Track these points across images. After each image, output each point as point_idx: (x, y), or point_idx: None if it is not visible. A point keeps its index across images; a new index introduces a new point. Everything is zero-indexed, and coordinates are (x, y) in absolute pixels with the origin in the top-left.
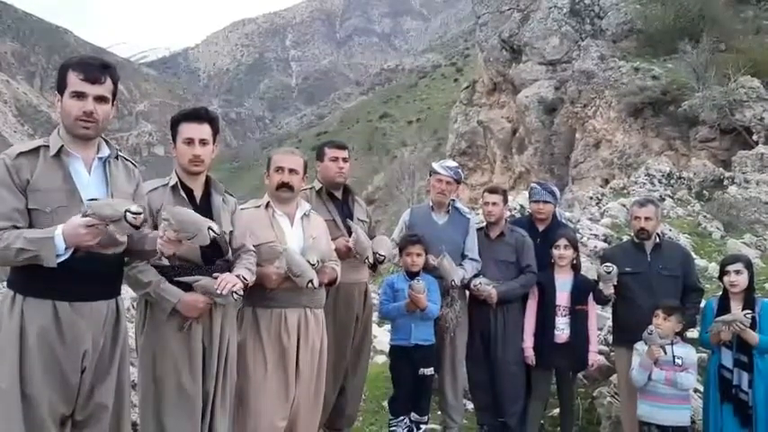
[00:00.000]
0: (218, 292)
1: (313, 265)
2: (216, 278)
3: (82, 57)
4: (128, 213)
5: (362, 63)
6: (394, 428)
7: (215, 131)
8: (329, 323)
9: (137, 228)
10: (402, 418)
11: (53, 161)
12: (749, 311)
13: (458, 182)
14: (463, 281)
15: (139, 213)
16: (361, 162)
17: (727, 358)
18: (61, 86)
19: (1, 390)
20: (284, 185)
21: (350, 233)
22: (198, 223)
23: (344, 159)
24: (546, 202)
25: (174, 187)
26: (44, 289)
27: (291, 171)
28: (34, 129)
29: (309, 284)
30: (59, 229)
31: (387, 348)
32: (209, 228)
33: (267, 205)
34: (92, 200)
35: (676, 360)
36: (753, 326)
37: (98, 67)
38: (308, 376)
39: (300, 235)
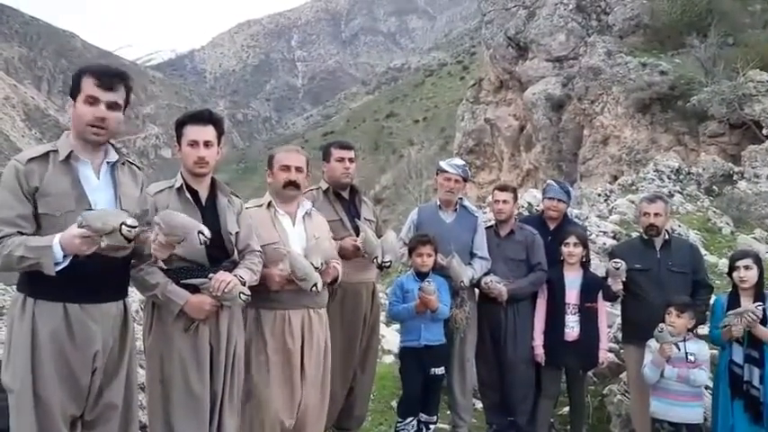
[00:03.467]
0: (213, 293)
1: (317, 268)
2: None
3: (98, 64)
4: (123, 227)
5: (368, 62)
6: (402, 431)
7: (219, 133)
8: (337, 323)
9: (130, 241)
10: (410, 420)
11: (62, 166)
12: (760, 303)
13: (465, 180)
14: (472, 280)
15: (134, 227)
16: (369, 161)
17: (737, 354)
18: (75, 92)
19: (14, 391)
20: (291, 184)
21: (357, 233)
22: (187, 227)
23: (350, 160)
24: (561, 200)
25: (179, 189)
26: (55, 292)
27: (297, 169)
28: (42, 133)
29: (314, 288)
30: (57, 238)
31: (395, 348)
32: (200, 231)
33: (269, 205)
34: (88, 209)
35: (689, 357)
36: (763, 321)
37: (113, 74)
38: (314, 377)
39: (303, 234)
